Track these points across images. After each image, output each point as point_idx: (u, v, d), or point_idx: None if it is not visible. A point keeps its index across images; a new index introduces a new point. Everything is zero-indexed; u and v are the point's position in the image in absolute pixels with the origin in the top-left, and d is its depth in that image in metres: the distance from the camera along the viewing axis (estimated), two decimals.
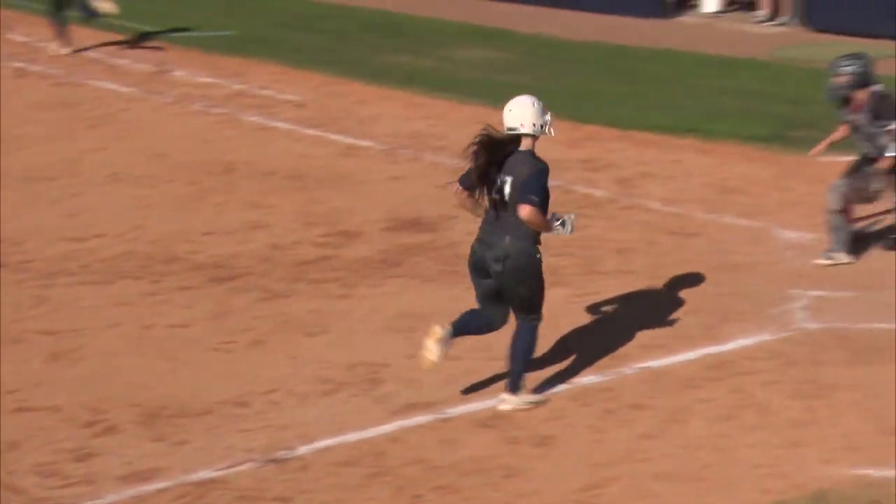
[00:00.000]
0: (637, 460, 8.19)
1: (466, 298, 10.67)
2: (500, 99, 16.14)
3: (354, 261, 11.49)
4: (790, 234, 11.77)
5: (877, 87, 10.71)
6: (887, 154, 10.58)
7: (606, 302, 10.54)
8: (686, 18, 21.25)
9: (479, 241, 8.79)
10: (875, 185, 10.79)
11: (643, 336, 9.90)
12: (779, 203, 12.56)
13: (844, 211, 10.95)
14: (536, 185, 8.58)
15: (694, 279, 10.90)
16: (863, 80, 10.67)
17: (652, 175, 13.49)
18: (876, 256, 11.18)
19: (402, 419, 8.79)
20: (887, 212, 11.66)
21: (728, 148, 14.19)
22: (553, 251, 11.55)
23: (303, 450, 8.42)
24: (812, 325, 9.99)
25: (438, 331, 8.73)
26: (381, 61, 18.58)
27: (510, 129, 8.71)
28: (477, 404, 8.96)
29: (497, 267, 8.65)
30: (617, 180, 13.40)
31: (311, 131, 15.44)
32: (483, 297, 8.89)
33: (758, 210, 12.42)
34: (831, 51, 18.51)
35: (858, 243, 11.23)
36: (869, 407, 8.75)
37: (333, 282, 11.05)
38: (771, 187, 12.99)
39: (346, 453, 8.37)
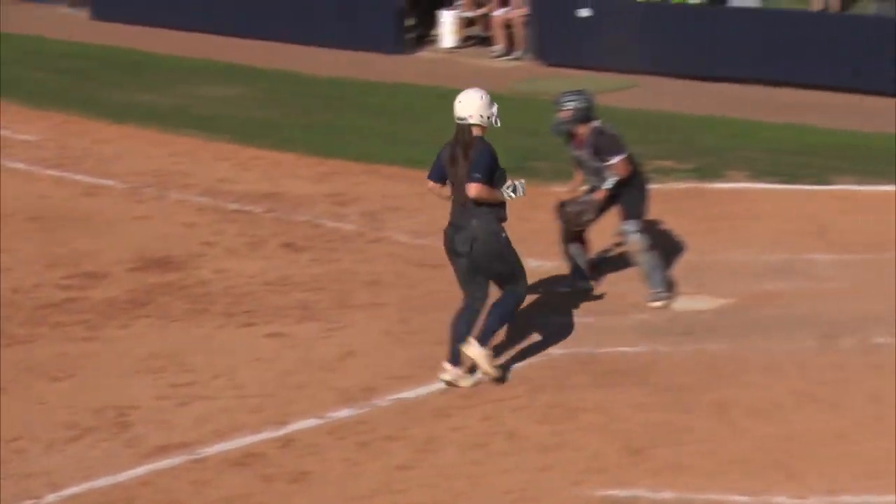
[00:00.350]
0: (393, 491, 8.21)
1: (218, 336, 10.57)
2: (245, 135, 16.29)
3: (100, 302, 11.23)
4: (532, 263, 11.94)
5: (597, 124, 10.92)
6: (604, 187, 10.83)
7: (359, 334, 10.56)
8: (426, 54, 21.53)
9: (451, 225, 9.61)
10: (587, 215, 10.99)
11: (395, 368, 9.95)
12: (520, 232, 12.71)
13: (577, 239, 11.17)
14: (480, 164, 9.39)
15: (443, 310, 10.97)
16: (584, 116, 10.89)
17: (399, 208, 13.60)
18: (612, 281, 11.50)
19: (154, 462, 8.61)
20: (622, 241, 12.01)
21: None
22: (303, 286, 11.58)
23: (50, 498, 8.16)
24: (556, 351, 10.20)
25: (449, 369, 9.47)
26: (123, 99, 18.25)
27: (460, 118, 9.54)
28: (230, 443, 8.84)
29: (466, 248, 9.44)
30: (365, 214, 13.46)
31: (50, 172, 15.05)
32: (461, 276, 9.63)
33: None
34: (565, 84, 19.10)
35: (596, 271, 11.52)
36: (614, 429, 8.98)
37: (79, 324, 10.77)
38: (514, 218, 13.17)
39: (95, 500, 8.15)
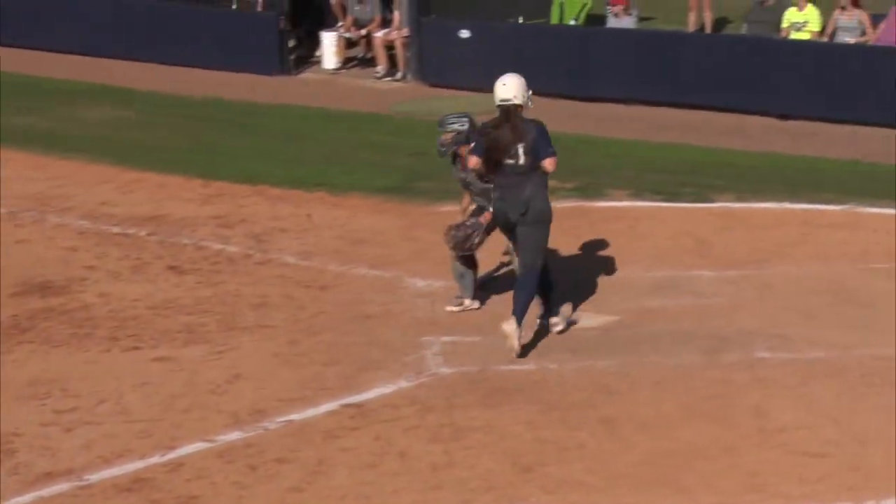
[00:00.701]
0: None
1: (103, 361, 10.40)
2: (126, 158, 16.07)
3: None
4: (420, 283, 12.01)
5: None
6: (487, 211, 10.82)
7: (246, 357, 10.46)
8: (309, 75, 21.45)
9: (501, 200, 10.31)
10: (474, 238, 10.99)
11: (284, 390, 9.86)
12: (408, 253, 12.80)
13: (467, 258, 11.21)
14: (548, 139, 10.26)
15: (331, 330, 10.97)
16: (466, 138, 10.87)
17: (285, 229, 13.51)
18: (500, 301, 11.52)
19: (39, 489, 8.43)
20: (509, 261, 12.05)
21: (357, 201, 14.38)
22: (190, 309, 11.45)
23: None
24: (446, 370, 10.20)
25: (508, 328, 10.09)
26: (0, 123, 17.91)
27: (504, 100, 10.25)
28: (117, 469, 8.69)
29: (521, 211, 10.18)
30: (250, 236, 13.35)
31: None
32: (517, 246, 10.44)
33: (388, 260, 12.62)
34: (447, 105, 19.17)
35: (484, 289, 11.54)
36: (504, 446, 8.99)
37: None
38: (399, 237, 13.23)
39: None
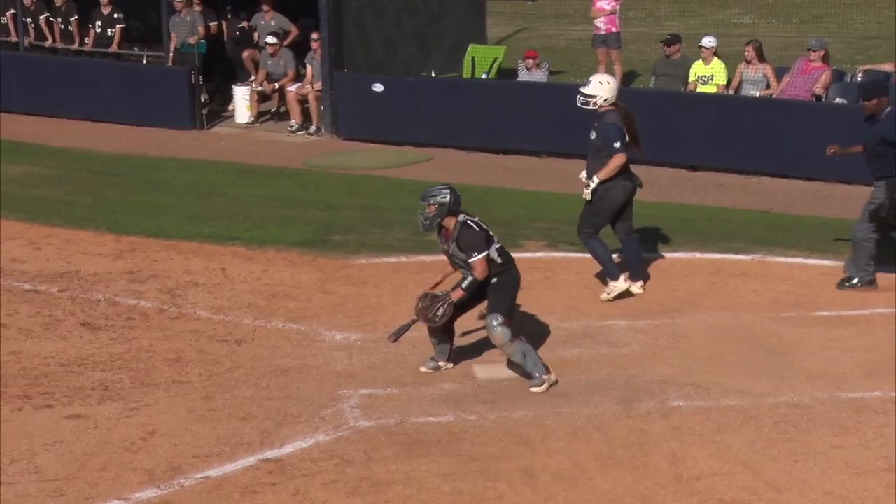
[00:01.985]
0: None
1: (14, 420, 10.25)
2: (36, 214, 15.89)
3: None
4: (337, 336, 11.98)
5: (462, 218, 10.77)
6: (461, 287, 10.81)
7: (161, 413, 10.35)
8: (221, 129, 21.42)
9: (627, 179, 12.81)
10: (442, 312, 10.92)
11: (200, 445, 9.77)
12: (324, 306, 12.78)
13: (439, 329, 11.06)
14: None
15: (247, 385, 10.90)
16: (448, 210, 10.74)
17: (199, 284, 13.43)
18: (416, 351, 11.52)
19: None
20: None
21: (271, 254, 14.34)
22: (103, 366, 11.32)
23: None
24: (364, 423, 10.17)
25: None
26: None
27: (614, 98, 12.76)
28: None
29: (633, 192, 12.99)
30: (164, 290, 13.25)
31: None
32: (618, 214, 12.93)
33: (304, 314, 12.59)
34: (361, 158, 19.24)
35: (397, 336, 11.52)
36: (423, 499, 8.97)
37: None
38: (315, 290, 13.20)
39: None
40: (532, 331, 11.91)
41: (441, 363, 11.18)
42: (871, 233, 12.74)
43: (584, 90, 12.78)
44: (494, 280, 10.82)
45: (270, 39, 20.97)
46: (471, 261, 10.70)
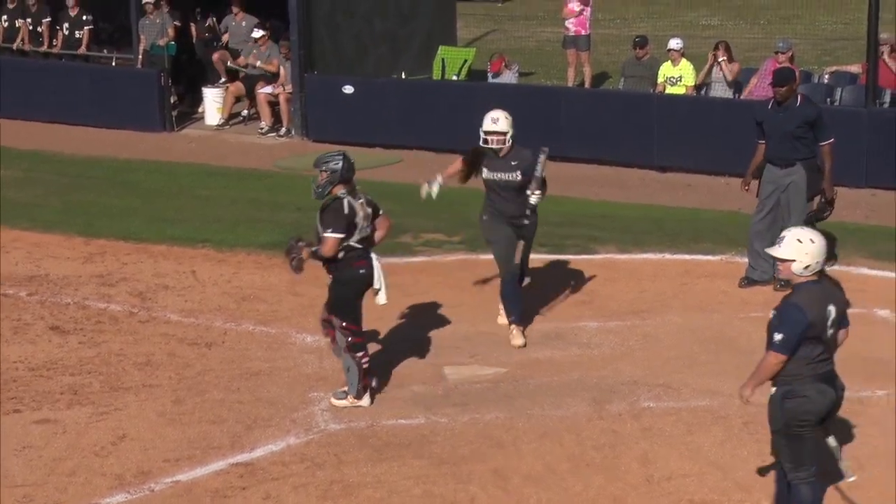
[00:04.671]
0: None
1: None
2: (4, 217, 15.75)
3: None
4: (308, 338, 11.92)
5: (342, 192, 10.27)
6: (311, 250, 10.25)
7: (131, 417, 10.28)
8: (191, 131, 21.32)
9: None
10: (294, 262, 10.31)
11: (171, 449, 9.71)
12: (294, 308, 12.72)
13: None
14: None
15: (218, 389, 10.83)
16: (342, 177, 10.45)
17: (169, 287, 13.35)
18: (386, 353, 11.49)
19: None
20: None
21: (242, 257, 14.27)
22: (72, 370, 11.24)
23: None
24: (335, 426, 10.12)
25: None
26: None
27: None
28: None
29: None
30: (134, 294, 13.16)
31: None
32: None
33: (275, 316, 12.52)
34: None
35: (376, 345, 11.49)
36: (394, 502, 8.94)
37: None
38: (285, 293, 13.14)
39: None
40: (504, 332, 11.88)
41: (351, 398, 10.47)
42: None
43: (495, 127, 11.80)
44: (335, 279, 10.39)
45: (257, 33, 20.87)
46: (324, 235, 10.20)
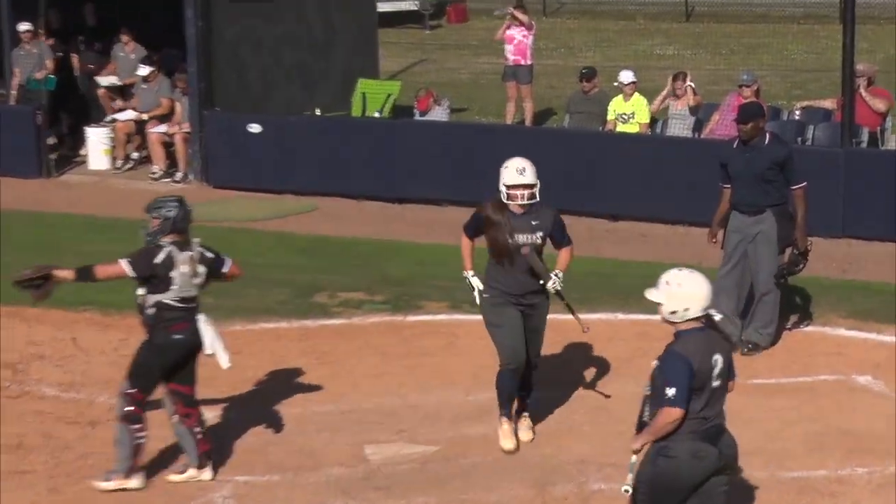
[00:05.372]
0: None
1: None
2: None
3: None
4: (208, 414, 11.78)
5: (167, 241, 10.43)
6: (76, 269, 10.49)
7: None
8: (72, 177, 21.20)
9: None
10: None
11: None
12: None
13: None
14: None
15: (102, 475, 10.70)
16: (175, 225, 10.38)
17: (45, 356, 13.25)
18: (301, 433, 11.43)
19: None
20: None
21: (132, 321, 14.07)
22: None
23: None
24: None
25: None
26: None
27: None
28: None
29: None
30: (4, 365, 13.02)
31: None
32: None
33: None
34: (235, 208, 19.13)
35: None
36: None
37: None
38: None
39: None
40: (433, 404, 11.86)
41: (120, 478, 10.44)
42: (775, 285, 12.91)
43: (523, 180, 10.99)
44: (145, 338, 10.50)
45: (143, 71, 20.81)
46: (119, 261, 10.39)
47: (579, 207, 18.08)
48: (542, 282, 10.96)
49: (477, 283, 11.12)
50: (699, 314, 8.24)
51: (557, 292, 11.10)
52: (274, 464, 10.89)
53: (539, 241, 10.98)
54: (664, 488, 8.17)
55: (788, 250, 12.96)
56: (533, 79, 22.05)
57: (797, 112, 19.28)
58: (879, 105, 18.15)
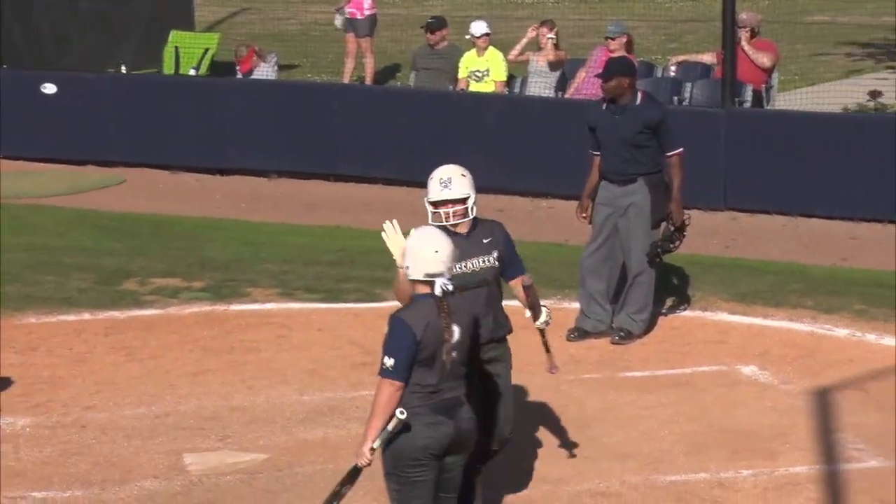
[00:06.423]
0: None
1: None
2: None
3: None
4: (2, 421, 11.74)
5: None
6: None
7: None
8: None
9: None
10: None
11: None
12: None
13: None
14: None
15: None
16: None
17: None
18: (119, 443, 11.37)
19: None
20: None
21: None
22: None
23: None
24: None
25: None
26: None
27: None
28: None
29: None
30: None
31: None
32: None
33: None
34: (28, 183, 18.91)
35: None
36: None
37: None
38: None
39: None
40: (263, 406, 11.86)
41: None
42: (649, 265, 13.05)
43: (449, 194, 10.38)
44: None
45: None
46: None
47: (424, 178, 18.12)
48: (529, 316, 10.32)
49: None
50: (420, 277, 8.48)
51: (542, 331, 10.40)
52: (76, 477, 10.81)
53: (496, 263, 10.15)
54: (407, 465, 8.54)
55: (663, 225, 13.10)
56: (374, 31, 22.07)
57: (672, 68, 19.52)
58: (764, 59, 18.41)
